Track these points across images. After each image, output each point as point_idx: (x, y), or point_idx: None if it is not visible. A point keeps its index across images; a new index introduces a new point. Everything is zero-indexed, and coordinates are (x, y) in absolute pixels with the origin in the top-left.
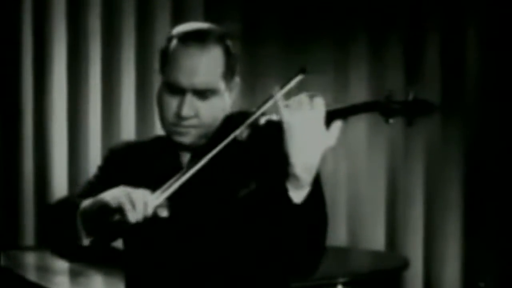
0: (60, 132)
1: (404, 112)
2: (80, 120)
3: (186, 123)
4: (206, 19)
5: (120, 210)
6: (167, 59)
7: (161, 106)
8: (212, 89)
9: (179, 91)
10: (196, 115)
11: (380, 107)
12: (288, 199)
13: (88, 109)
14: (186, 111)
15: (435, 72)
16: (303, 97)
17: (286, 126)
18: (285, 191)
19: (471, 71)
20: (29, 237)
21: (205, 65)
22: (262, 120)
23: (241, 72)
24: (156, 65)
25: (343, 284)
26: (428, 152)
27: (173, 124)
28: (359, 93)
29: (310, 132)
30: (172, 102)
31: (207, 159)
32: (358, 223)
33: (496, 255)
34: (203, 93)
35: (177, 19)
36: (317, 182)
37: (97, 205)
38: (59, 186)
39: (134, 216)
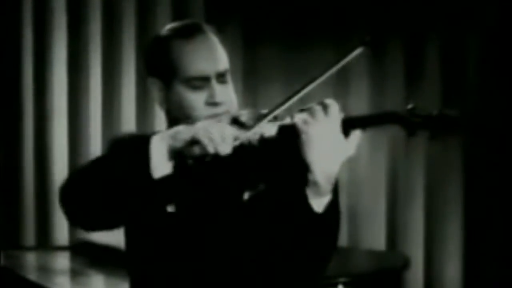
0: (60, 132)
1: (428, 127)
2: (81, 120)
3: (220, 110)
4: (206, 19)
5: (201, 142)
6: (174, 62)
7: (187, 105)
8: (228, 69)
9: (203, 81)
10: (224, 101)
11: (403, 121)
12: (309, 207)
13: (88, 109)
14: (219, 96)
15: (435, 73)
16: (315, 106)
17: (304, 137)
18: (305, 198)
19: (471, 74)
20: (29, 237)
21: (217, 48)
22: (274, 127)
23: (242, 73)
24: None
25: (344, 283)
26: (428, 152)
27: (208, 116)
28: (359, 94)
29: (328, 141)
30: (199, 97)
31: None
32: (359, 223)
33: (497, 254)
34: (223, 76)
35: (177, 20)
36: (336, 192)
37: (187, 137)
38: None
39: (222, 148)
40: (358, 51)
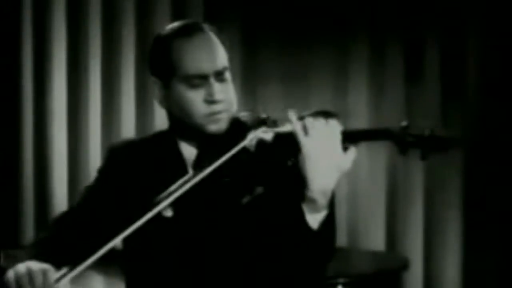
0: (60, 133)
1: (419, 147)
2: (80, 121)
3: (218, 107)
4: (206, 19)
5: None
6: (174, 61)
7: (186, 104)
8: (227, 67)
9: (202, 79)
10: (223, 99)
11: (395, 138)
12: (305, 223)
13: (88, 110)
14: (218, 94)
15: (435, 73)
16: (319, 120)
17: (304, 152)
18: (301, 215)
19: (472, 78)
20: (29, 237)
21: (216, 47)
22: (271, 134)
23: (241, 73)
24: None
25: (343, 284)
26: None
27: (207, 114)
28: (359, 96)
29: (328, 157)
30: (198, 95)
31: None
32: (358, 224)
33: (496, 255)
34: (222, 74)
35: (177, 19)
36: (332, 206)
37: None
38: (59, 187)
39: None
40: (242, 144)
